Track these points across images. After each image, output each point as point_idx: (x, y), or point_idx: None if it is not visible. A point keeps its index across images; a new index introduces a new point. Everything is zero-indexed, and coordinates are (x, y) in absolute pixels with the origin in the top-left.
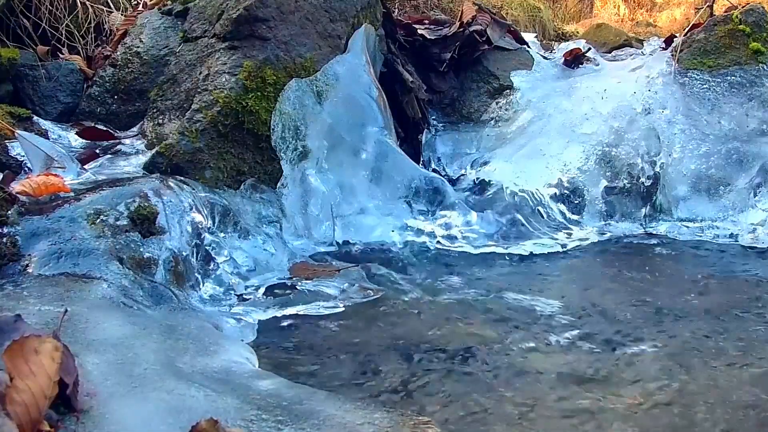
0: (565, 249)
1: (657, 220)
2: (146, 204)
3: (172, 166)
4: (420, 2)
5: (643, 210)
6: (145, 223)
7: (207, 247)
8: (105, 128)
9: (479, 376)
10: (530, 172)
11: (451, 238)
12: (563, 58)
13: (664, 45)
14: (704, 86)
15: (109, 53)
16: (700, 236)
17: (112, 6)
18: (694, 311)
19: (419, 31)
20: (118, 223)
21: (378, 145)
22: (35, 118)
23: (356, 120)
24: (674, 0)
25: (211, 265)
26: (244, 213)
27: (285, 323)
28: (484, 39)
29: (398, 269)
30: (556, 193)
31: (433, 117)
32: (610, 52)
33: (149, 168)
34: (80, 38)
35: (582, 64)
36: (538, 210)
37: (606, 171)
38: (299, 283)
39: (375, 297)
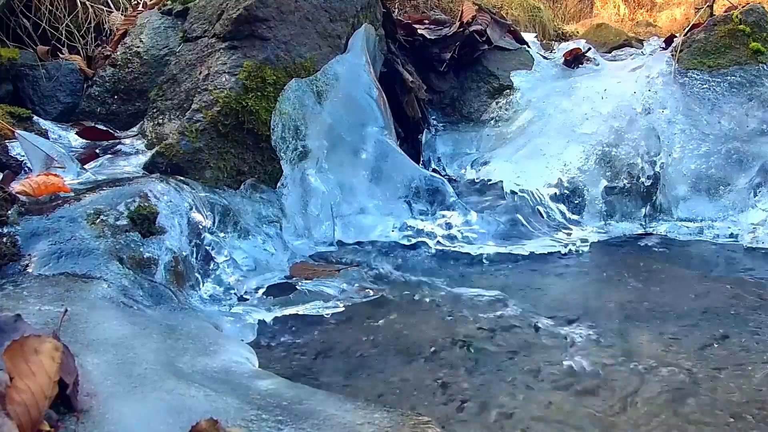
0: (565, 249)
1: (657, 220)
2: (146, 204)
3: (172, 166)
4: (420, 2)
5: (643, 210)
6: (145, 223)
7: (207, 247)
8: (105, 128)
9: (480, 376)
10: (530, 172)
11: (451, 238)
12: (563, 58)
13: (664, 45)
14: (704, 86)
15: (109, 53)
16: (700, 236)
17: (112, 6)
18: (694, 311)
19: (419, 31)
20: (118, 223)
21: (378, 145)
22: (35, 118)
23: (356, 120)
24: (674, 0)
25: (211, 265)
26: (244, 213)
27: (285, 323)
28: (484, 39)
29: (398, 269)
30: (556, 193)
31: (433, 117)
32: (610, 52)
33: (149, 168)
34: (80, 38)
35: (582, 64)
36: (538, 210)
37: (606, 171)
38: (299, 283)
39: (375, 297)
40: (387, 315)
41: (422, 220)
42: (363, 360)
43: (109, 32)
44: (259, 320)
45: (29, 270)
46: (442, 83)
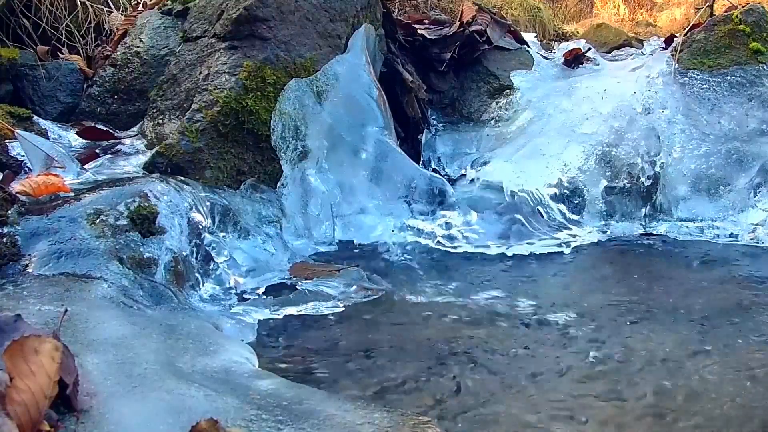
0: (565, 249)
1: (657, 220)
2: (146, 204)
3: (172, 166)
4: (420, 2)
5: (643, 210)
6: (145, 223)
7: (207, 247)
8: (105, 128)
9: (479, 376)
10: (530, 172)
11: (451, 238)
12: (563, 58)
13: (664, 45)
14: (704, 86)
15: (109, 53)
16: (700, 236)
17: (112, 6)
18: (693, 311)
19: (419, 31)
20: (118, 223)
21: (378, 145)
22: (35, 118)
23: (356, 120)
24: (674, 0)
25: (211, 265)
26: (244, 213)
27: (285, 323)
28: (484, 39)
29: (398, 269)
30: (556, 193)
31: (433, 117)
32: (610, 52)
33: (149, 168)
34: (80, 38)
35: (582, 64)
36: (538, 210)
37: (606, 171)
38: (299, 283)
39: (375, 297)
40: (387, 315)
41: (422, 220)
42: (363, 360)
43: (109, 32)
44: (259, 320)
45: (29, 270)
46: (442, 83)
